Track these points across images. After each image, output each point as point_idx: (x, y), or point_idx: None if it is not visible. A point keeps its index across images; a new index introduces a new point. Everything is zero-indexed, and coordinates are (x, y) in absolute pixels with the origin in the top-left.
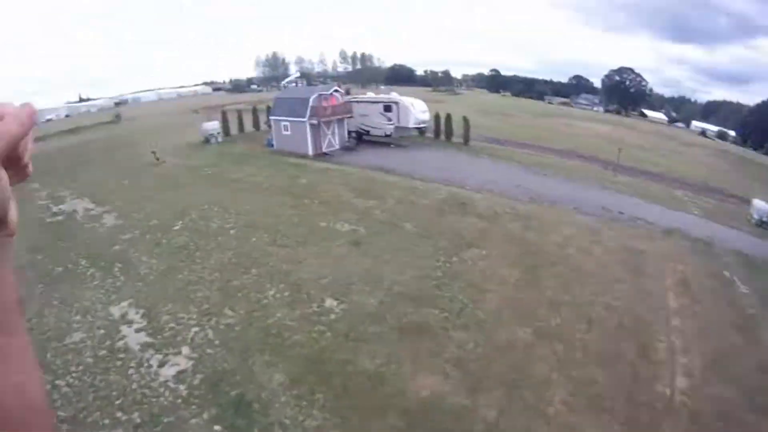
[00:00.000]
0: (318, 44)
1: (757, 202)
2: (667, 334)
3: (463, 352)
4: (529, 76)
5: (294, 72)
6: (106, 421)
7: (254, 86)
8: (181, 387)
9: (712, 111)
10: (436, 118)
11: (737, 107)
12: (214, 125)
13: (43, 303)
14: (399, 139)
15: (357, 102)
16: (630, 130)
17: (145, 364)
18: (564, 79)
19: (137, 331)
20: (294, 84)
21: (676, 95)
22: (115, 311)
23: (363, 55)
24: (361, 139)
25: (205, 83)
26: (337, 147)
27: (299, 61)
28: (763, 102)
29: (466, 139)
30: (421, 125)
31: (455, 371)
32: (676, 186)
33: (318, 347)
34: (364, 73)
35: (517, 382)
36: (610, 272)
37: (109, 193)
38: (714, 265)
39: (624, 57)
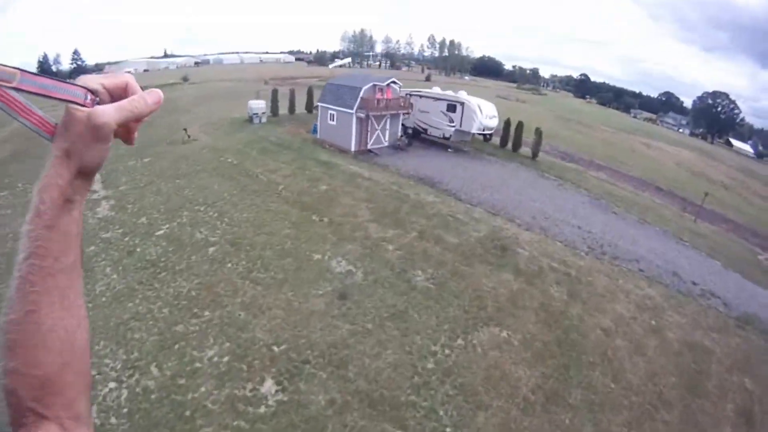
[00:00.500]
0: (407, 26)
1: None
2: None
3: None
4: (618, 85)
5: (345, 59)
6: None
7: (337, 60)
8: None
9: None
10: (506, 124)
11: None
12: (259, 104)
13: None
14: (460, 143)
15: (419, 96)
16: (714, 162)
17: None
18: (653, 94)
19: None
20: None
21: (766, 127)
22: None
23: (452, 42)
24: (417, 136)
25: (291, 52)
26: (386, 144)
27: (386, 40)
28: None
29: (535, 153)
30: (487, 132)
31: None
32: (760, 244)
33: None
34: (450, 61)
35: None
36: (658, 388)
37: (120, 174)
38: None
39: (718, 80)
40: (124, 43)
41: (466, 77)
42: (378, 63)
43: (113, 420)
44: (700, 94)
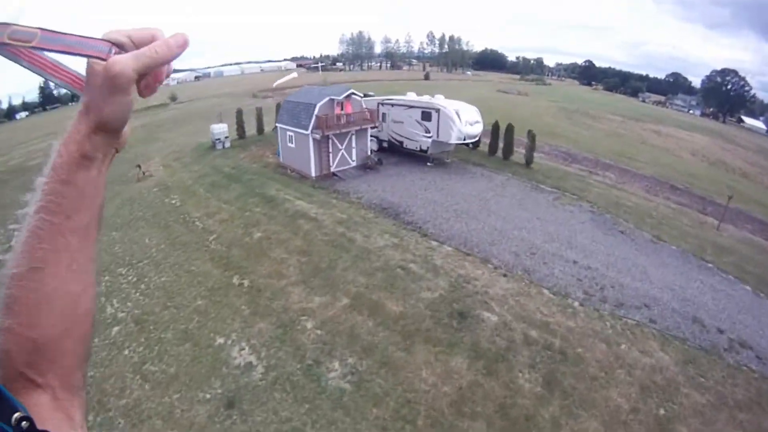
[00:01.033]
0: (406, 25)
1: None
2: None
3: None
4: (624, 69)
5: (293, 70)
6: None
7: (339, 64)
8: None
9: None
10: (494, 129)
11: None
12: (221, 128)
13: None
14: (443, 154)
15: (391, 105)
16: (730, 145)
17: None
18: (661, 76)
19: None
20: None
21: None
22: None
23: (451, 37)
24: (394, 150)
25: (294, 58)
26: (354, 165)
27: (385, 40)
28: None
29: (529, 160)
30: (469, 140)
31: None
32: None
33: None
34: (451, 56)
35: None
36: None
37: None
38: None
39: (724, 57)
40: None
41: (468, 72)
42: (379, 64)
43: None
44: (707, 73)
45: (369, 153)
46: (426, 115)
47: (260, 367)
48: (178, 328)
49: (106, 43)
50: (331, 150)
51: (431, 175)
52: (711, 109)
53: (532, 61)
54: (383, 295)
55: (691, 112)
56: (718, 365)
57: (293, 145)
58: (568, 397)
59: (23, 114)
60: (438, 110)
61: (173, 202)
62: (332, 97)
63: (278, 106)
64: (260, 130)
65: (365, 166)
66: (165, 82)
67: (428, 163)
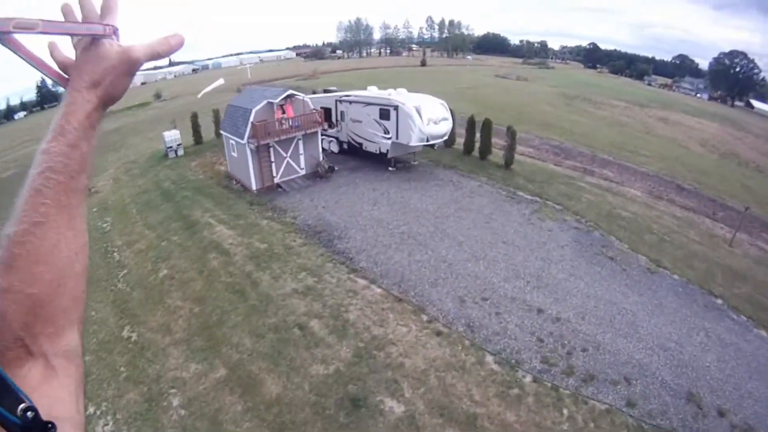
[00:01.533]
0: (404, 9)
1: None
2: None
3: None
4: (630, 51)
5: (217, 81)
6: None
7: (339, 52)
8: None
9: None
10: (469, 125)
11: None
12: (173, 135)
13: None
14: (410, 156)
15: (349, 102)
16: (741, 132)
17: None
18: (667, 58)
19: None
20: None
21: None
22: None
23: (451, 22)
24: (354, 153)
25: (295, 47)
26: (303, 173)
27: (384, 26)
28: None
29: (508, 161)
30: (434, 141)
31: None
32: None
33: None
34: (451, 41)
35: None
36: None
37: None
38: None
39: (731, 38)
40: None
41: (469, 57)
42: (378, 51)
43: None
44: (715, 55)
45: (320, 159)
46: (384, 114)
47: None
48: None
49: (99, 25)
50: (273, 159)
51: (388, 184)
52: (719, 93)
53: (536, 45)
54: (265, 368)
55: (698, 95)
56: None
57: (236, 155)
58: None
59: (21, 114)
60: (396, 107)
61: (104, 226)
62: (270, 100)
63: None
64: (219, 133)
65: (316, 175)
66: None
67: (390, 168)
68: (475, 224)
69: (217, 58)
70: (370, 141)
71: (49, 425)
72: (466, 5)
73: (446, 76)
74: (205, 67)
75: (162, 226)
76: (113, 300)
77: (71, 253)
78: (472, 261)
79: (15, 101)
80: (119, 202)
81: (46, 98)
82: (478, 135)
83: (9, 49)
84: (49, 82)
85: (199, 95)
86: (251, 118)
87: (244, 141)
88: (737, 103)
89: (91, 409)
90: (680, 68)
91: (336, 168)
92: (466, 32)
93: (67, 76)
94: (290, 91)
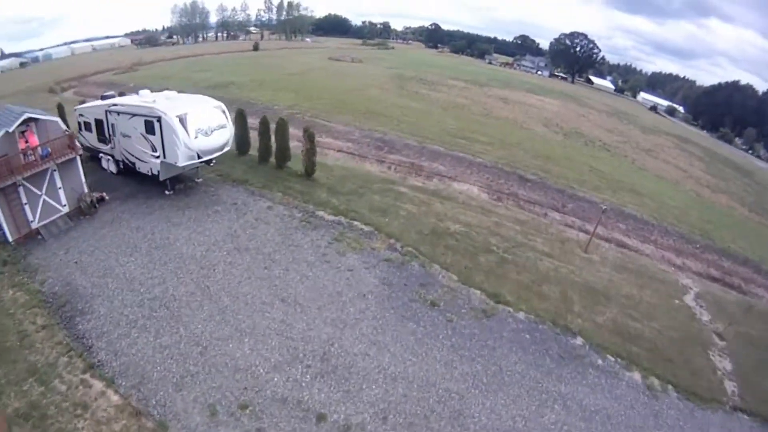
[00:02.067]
0: None
1: None
2: None
3: None
4: (473, 32)
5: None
6: None
7: (173, 38)
8: None
9: (658, 82)
10: (263, 126)
11: (685, 82)
12: None
13: None
14: (193, 172)
15: (117, 112)
16: (584, 108)
17: None
18: (509, 38)
19: None
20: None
21: (621, 63)
22: None
23: (290, 3)
24: (132, 174)
25: (133, 33)
26: (65, 211)
27: (221, 9)
28: (719, 85)
29: (309, 170)
30: (209, 156)
31: None
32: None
33: None
34: (290, 23)
35: None
36: None
37: None
38: None
39: (575, 24)
40: None
41: (308, 39)
42: (215, 35)
43: None
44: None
45: (83, 191)
46: (149, 126)
47: None
48: None
49: None
50: (26, 200)
51: (158, 217)
52: (559, 69)
53: (378, 26)
54: None
55: (539, 73)
56: None
57: None
58: None
59: None
60: (159, 119)
61: None
62: (6, 129)
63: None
64: None
65: (79, 212)
66: None
67: (166, 191)
68: (249, 273)
69: (48, 48)
70: (141, 160)
71: None
72: None
73: (275, 61)
74: (35, 60)
75: None
76: None
77: None
78: (235, 339)
79: None
80: None
81: None
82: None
83: None
84: None
85: None
86: None
87: None
88: (578, 79)
89: None
90: (521, 48)
91: (107, 198)
92: (305, 14)
93: None
94: (27, 114)
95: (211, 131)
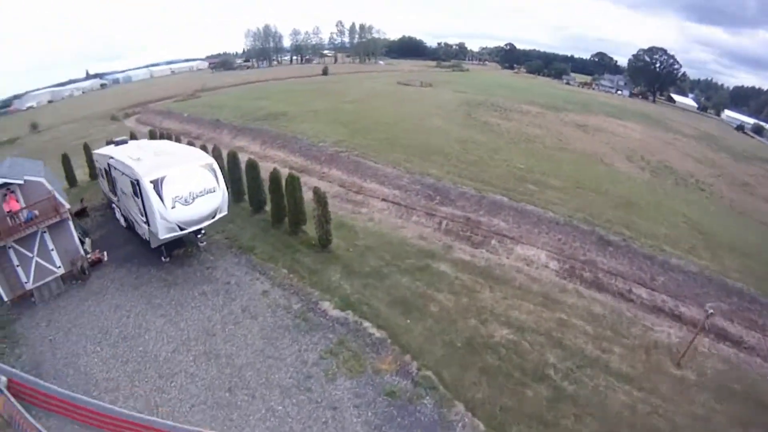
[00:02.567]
0: (314, 15)
1: None
2: None
3: None
4: (549, 51)
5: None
6: None
7: (249, 62)
8: None
9: (741, 97)
10: (273, 183)
11: None
12: None
13: None
14: (198, 237)
15: (114, 166)
16: (670, 135)
17: None
18: (586, 56)
19: None
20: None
21: (701, 78)
22: None
23: (362, 26)
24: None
25: (212, 57)
26: (60, 272)
27: (294, 33)
28: None
29: (323, 241)
30: (196, 227)
31: None
32: None
33: None
34: (363, 46)
35: None
36: None
37: None
38: None
39: (648, 37)
40: (39, 64)
41: (381, 62)
42: (290, 59)
43: None
44: (633, 52)
45: (78, 254)
46: (134, 188)
47: None
48: None
49: None
50: (18, 262)
51: (141, 294)
52: (638, 88)
53: (453, 47)
54: None
55: (619, 93)
56: None
57: None
58: None
59: None
60: (138, 181)
61: None
62: None
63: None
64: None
65: (71, 276)
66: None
67: (162, 258)
68: (207, 395)
69: (130, 70)
70: (136, 222)
71: None
72: (382, 10)
73: (339, 87)
74: (116, 81)
75: None
76: None
77: None
78: None
79: None
80: None
81: None
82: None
83: None
84: None
85: None
86: None
87: None
88: (659, 97)
89: None
90: (599, 66)
91: (105, 259)
92: (378, 36)
93: None
94: (3, 180)
95: (193, 198)
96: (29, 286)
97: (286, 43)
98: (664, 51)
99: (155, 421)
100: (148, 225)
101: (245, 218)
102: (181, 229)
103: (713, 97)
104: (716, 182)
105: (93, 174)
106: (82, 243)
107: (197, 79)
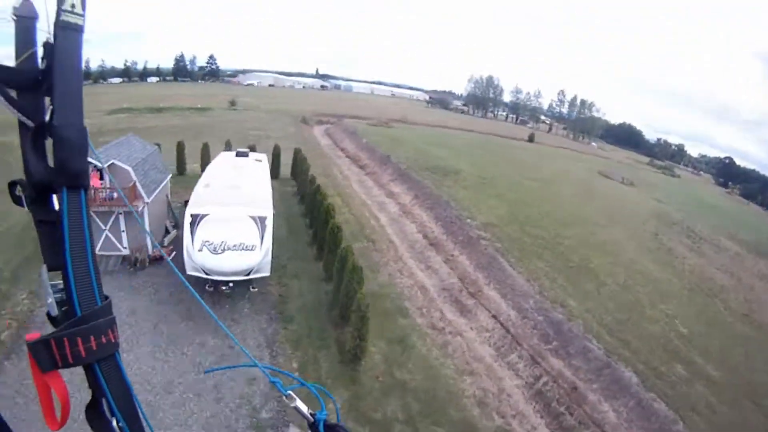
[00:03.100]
0: (536, 77)
1: None
2: None
3: None
4: None
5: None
6: None
7: (466, 107)
8: None
9: None
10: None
11: None
12: None
13: None
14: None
15: None
16: None
17: None
18: None
19: None
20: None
21: None
22: None
23: (583, 101)
24: None
25: (433, 91)
26: (124, 252)
27: (516, 90)
28: None
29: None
30: (220, 278)
31: None
32: None
33: None
34: (582, 123)
35: None
36: None
37: None
38: None
39: None
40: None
41: (594, 143)
42: (506, 115)
43: None
44: None
45: (144, 244)
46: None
47: None
48: None
49: None
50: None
51: (156, 314)
52: None
53: (673, 147)
54: None
55: None
56: None
57: None
58: None
59: (154, 79)
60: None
61: None
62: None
63: None
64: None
65: (133, 261)
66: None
67: (207, 287)
68: None
69: (354, 81)
70: None
71: None
72: (606, 87)
73: (533, 160)
74: (337, 87)
75: None
76: None
77: None
78: None
79: (152, 66)
80: None
81: (180, 71)
82: None
83: None
84: (187, 57)
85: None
86: None
87: None
88: None
89: None
90: None
91: (169, 258)
92: (597, 115)
93: None
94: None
95: (224, 249)
96: (96, 250)
97: (506, 97)
98: None
99: None
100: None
101: (312, 278)
102: (205, 273)
103: None
104: None
105: (203, 167)
106: (168, 233)
107: (405, 109)
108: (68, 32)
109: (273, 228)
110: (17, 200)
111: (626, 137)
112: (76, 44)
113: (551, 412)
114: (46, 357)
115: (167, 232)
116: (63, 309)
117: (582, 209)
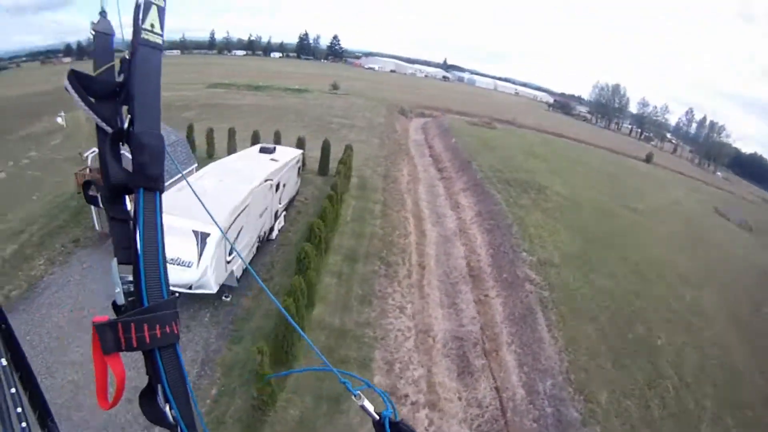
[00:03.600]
0: (665, 89)
1: None
2: None
3: None
4: None
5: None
6: None
7: (590, 114)
8: None
9: None
10: None
11: None
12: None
13: None
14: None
15: None
16: None
17: None
18: None
19: None
20: None
21: None
22: None
23: (712, 123)
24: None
25: (559, 94)
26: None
27: (642, 103)
28: None
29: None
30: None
31: None
32: None
33: None
34: (709, 148)
35: None
36: None
37: None
38: None
39: None
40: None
41: (719, 173)
42: (629, 128)
43: None
44: None
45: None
46: None
47: None
48: None
49: None
50: None
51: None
52: None
53: None
54: None
55: None
56: None
57: None
58: None
59: (277, 54)
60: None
61: None
62: None
63: None
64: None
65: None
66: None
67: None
68: None
69: (478, 74)
70: None
71: None
72: (736, 113)
73: (642, 185)
74: (460, 80)
75: None
76: None
77: None
78: None
79: (276, 40)
80: None
81: (304, 49)
82: None
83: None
84: (311, 35)
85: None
86: None
87: None
88: None
89: None
90: None
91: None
92: (727, 141)
93: None
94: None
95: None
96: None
97: (632, 109)
98: None
99: None
100: None
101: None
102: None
103: None
104: None
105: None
106: None
107: (521, 110)
108: (147, 50)
109: (233, 242)
110: (91, 200)
111: (754, 169)
112: (155, 61)
113: None
114: (111, 339)
115: None
116: (130, 299)
117: (675, 258)
